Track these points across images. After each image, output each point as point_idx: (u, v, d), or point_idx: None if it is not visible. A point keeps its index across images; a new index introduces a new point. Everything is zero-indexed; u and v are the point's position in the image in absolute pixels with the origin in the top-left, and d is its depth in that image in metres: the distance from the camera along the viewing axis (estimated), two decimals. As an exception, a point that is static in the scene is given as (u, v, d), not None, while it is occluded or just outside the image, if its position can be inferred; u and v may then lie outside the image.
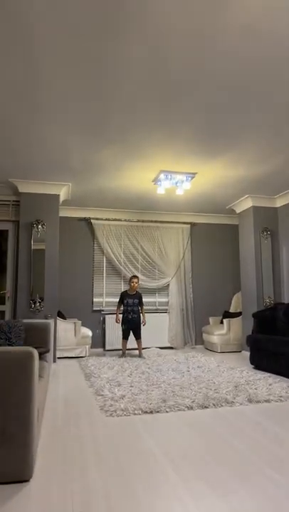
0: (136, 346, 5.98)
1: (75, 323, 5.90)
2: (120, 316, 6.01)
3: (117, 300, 7.08)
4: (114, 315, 6.18)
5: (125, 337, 5.94)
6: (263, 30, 2.41)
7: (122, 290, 6.62)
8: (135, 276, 6.10)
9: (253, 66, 2.78)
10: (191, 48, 2.57)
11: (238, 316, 6.66)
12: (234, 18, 2.30)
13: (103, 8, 2.23)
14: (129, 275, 7.01)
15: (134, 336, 5.92)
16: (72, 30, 2.40)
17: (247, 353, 5.89)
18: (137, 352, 6.05)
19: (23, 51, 2.61)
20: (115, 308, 7.21)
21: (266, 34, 2.44)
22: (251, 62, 2.74)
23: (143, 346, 6.71)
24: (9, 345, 3.37)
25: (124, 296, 6.01)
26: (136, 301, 5.94)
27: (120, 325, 6.01)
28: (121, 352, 5.97)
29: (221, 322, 6.87)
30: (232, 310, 7.12)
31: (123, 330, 5.93)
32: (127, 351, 6.02)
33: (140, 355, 5.83)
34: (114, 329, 6.67)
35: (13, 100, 3.25)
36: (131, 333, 5.96)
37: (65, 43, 2.52)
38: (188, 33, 2.42)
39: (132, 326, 5.90)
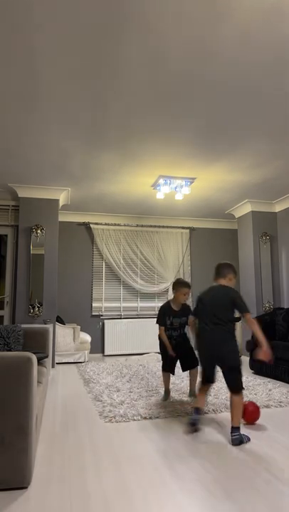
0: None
1: (74, 328, 5.88)
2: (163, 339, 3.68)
3: (114, 305, 6.89)
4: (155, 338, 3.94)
5: (168, 369, 3.70)
6: (263, 37, 2.42)
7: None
8: (186, 285, 3.70)
9: (252, 72, 2.79)
10: (190, 53, 2.58)
11: (238, 320, 6.63)
12: (234, 25, 2.32)
13: (103, 15, 2.24)
14: (129, 280, 6.99)
15: (184, 367, 3.67)
16: (72, 36, 2.41)
17: (246, 358, 5.87)
18: (185, 387, 4.00)
19: (23, 57, 2.62)
20: (115, 313, 7.22)
21: (266, 41, 2.46)
22: (251, 68, 2.75)
23: (142, 351, 6.61)
24: (8, 350, 3.35)
25: (166, 312, 3.67)
26: (184, 319, 3.64)
27: (160, 352, 3.82)
28: (163, 391, 3.69)
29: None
30: (231, 315, 7.10)
31: (164, 359, 3.73)
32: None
33: (193, 394, 3.62)
34: (113, 334, 6.66)
35: (12, 106, 3.26)
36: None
37: (65, 50, 2.54)
38: (188, 39, 2.44)
39: (178, 353, 3.62)
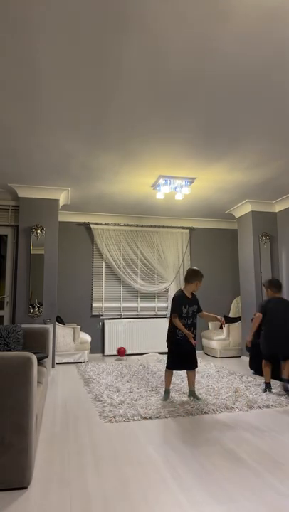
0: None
1: (73, 328, 5.88)
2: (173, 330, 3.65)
3: (114, 305, 6.89)
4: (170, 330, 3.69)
5: (177, 366, 3.63)
6: (264, 37, 2.42)
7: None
8: (198, 273, 3.72)
9: (252, 72, 2.79)
10: (191, 53, 2.58)
11: (238, 321, 6.65)
12: (235, 24, 2.32)
13: (103, 15, 2.24)
14: (129, 280, 6.98)
15: (186, 365, 3.62)
16: (72, 37, 2.41)
17: (246, 358, 5.87)
18: (184, 386, 3.98)
19: (24, 57, 2.62)
20: (115, 313, 7.23)
21: (266, 41, 2.46)
22: (251, 68, 2.75)
23: (142, 352, 6.62)
24: (8, 350, 3.35)
25: (183, 300, 3.62)
26: (195, 307, 3.66)
27: (169, 347, 3.67)
28: (164, 391, 3.61)
29: (221, 327, 6.85)
30: (231, 315, 7.11)
31: (172, 355, 3.62)
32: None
33: (193, 394, 3.59)
34: (113, 334, 6.66)
35: (13, 106, 3.26)
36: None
37: (65, 50, 2.54)
38: (188, 39, 2.44)
39: (188, 349, 3.58)
